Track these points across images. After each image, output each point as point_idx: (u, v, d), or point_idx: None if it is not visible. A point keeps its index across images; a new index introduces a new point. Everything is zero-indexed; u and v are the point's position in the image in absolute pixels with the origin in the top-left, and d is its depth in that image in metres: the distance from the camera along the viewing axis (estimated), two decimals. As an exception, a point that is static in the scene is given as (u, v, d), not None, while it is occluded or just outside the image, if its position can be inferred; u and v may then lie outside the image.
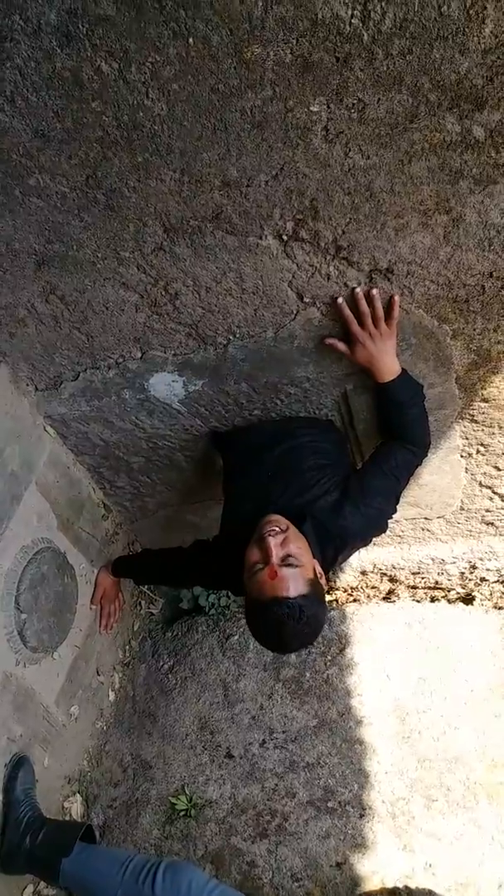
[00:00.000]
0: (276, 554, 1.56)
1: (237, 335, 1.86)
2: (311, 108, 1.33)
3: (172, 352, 1.93)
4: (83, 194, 1.53)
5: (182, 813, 2.31)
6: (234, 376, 1.97)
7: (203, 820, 2.29)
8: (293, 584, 1.54)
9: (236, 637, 2.69)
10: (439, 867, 2.00)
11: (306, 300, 1.73)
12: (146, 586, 2.95)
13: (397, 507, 1.86)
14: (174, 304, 1.78)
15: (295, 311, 1.77)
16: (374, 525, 1.83)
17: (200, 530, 2.61)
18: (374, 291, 1.65)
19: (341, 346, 1.75)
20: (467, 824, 2.07)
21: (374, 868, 2.05)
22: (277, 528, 1.62)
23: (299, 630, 1.55)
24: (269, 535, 1.59)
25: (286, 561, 1.56)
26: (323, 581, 1.68)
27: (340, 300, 1.69)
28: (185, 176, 1.46)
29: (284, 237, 1.58)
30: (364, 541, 1.87)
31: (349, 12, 1.19)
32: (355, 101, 1.31)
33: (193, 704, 2.58)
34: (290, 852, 2.15)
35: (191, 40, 1.24)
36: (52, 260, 1.70)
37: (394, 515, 1.89)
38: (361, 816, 2.16)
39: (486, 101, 1.29)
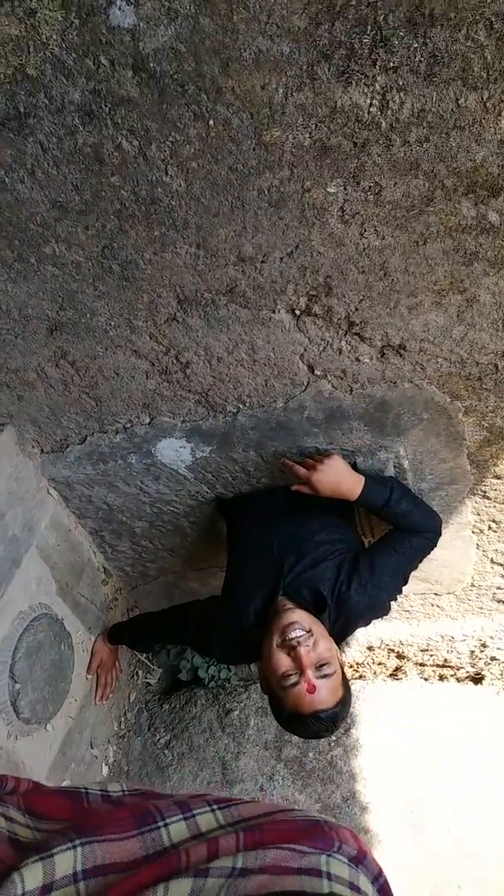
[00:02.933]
0: (310, 665, 1.53)
1: (247, 404, 1.84)
2: (328, 190, 1.34)
3: (181, 418, 1.92)
4: (98, 264, 1.54)
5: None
6: (243, 444, 1.95)
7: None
8: (331, 694, 1.55)
9: (236, 712, 2.59)
10: None
11: (317, 373, 1.72)
12: (144, 655, 2.86)
13: (403, 588, 1.82)
14: (185, 373, 1.78)
15: (306, 383, 1.76)
16: (378, 607, 1.79)
17: (202, 597, 2.54)
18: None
19: (301, 470, 1.78)
20: (478, 928, 1.94)
21: None
22: (303, 631, 1.58)
23: (336, 728, 1.60)
24: (300, 643, 1.55)
25: (321, 671, 1.55)
26: (343, 663, 1.68)
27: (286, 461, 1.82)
28: (201, 250, 1.47)
29: (297, 312, 1.58)
30: (366, 622, 1.83)
31: (368, 101, 1.21)
32: (372, 185, 1.32)
33: (190, 782, 2.47)
34: None
35: (211, 122, 1.26)
36: (65, 326, 1.71)
37: (399, 595, 1.84)
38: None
39: (501, 188, 1.30)
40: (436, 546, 1.86)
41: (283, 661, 1.56)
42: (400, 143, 1.26)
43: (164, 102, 1.24)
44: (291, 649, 1.55)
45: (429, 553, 1.85)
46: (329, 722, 1.54)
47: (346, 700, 1.59)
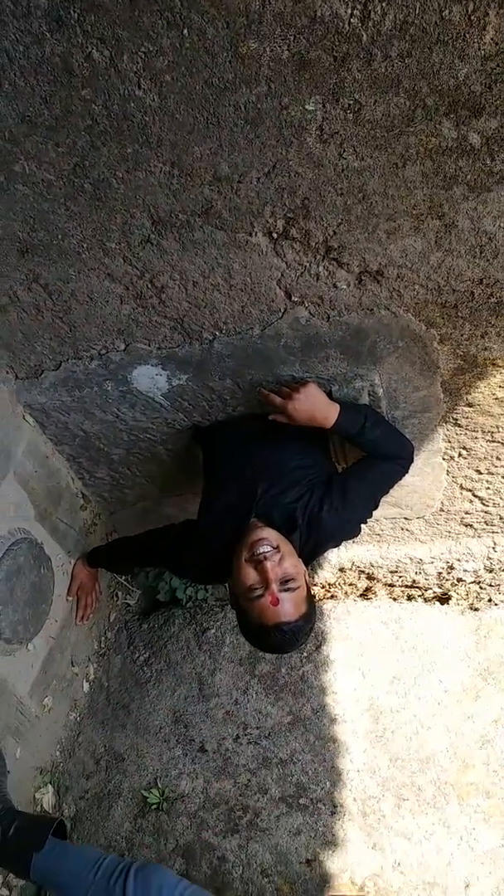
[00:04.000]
0: (275, 578, 1.58)
1: (223, 331, 1.83)
2: (307, 107, 1.30)
3: (157, 345, 1.90)
4: (70, 183, 1.50)
5: (154, 806, 2.30)
6: (219, 372, 1.95)
7: (175, 814, 2.29)
8: (294, 607, 1.60)
9: (213, 631, 2.68)
10: (407, 866, 2.02)
11: (295, 299, 1.71)
12: (123, 577, 2.93)
13: (374, 511, 1.87)
14: (160, 298, 1.75)
15: (283, 310, 1.74)
16: (348, 529, 1.85)
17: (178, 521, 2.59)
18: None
19: (277, 399, 1.80)
20: (436, 824, 2.09)
21: (343, 865, 2.07)
22: (270, 547, 1.62)
23: (300, 642, 1.66)
24: (266, 557, 1.59)
25: (286, 585, 1.60)
26: (310, 583, 1.70)
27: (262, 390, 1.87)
28: (175, 169, 1.43)
29: (274, 235, 1.56)
30: (336, 543, 1.90)
31: (349, 11, 1.16)
32: (351, 102, 1.28)
33: (168, 697, 2.58)
34: (260, 848, 2.16)
35: (185, 31, 1.20)
36: (36, 248, 1.66)
37: (370, 518, 1.90)
38: (332, 814, 2.17)
39: (483, 108, 1.27)
40: (407, 472, 1.90)
41: (250, 575, 1.61)
42: (381, 58, 1.22)
43: (136, 9, 1.18)
44: (258, 563, 1.61)
45: (400, 479, 1.90)
46: (291, 635, 1.60)
47: (309, 615, 1.65)
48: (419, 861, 2.02)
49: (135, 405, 2.11)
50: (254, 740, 2.39)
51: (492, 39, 1.18)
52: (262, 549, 1.63)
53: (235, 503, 1.83)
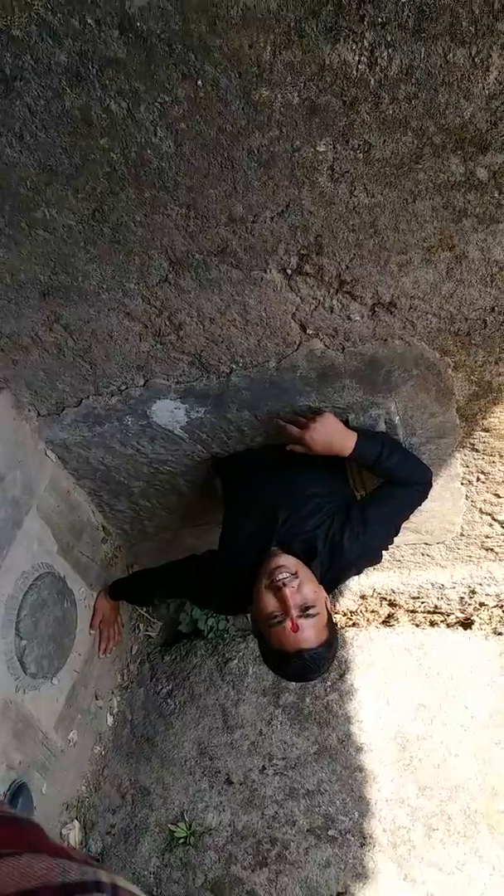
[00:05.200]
0: (294, 604, 1.59)
1: (240, 364, 1.87)
2: (318, 149, 1.34)
3: (175, 380, 1.94)
4: (89, 227, 1.55)
5: (181, 840, 2.29)
6: (237, 404, 1.98)
7: (202, 847, 2.27)
8: (315, 634, 1.60)
9: (235, 661, 2.68)
10: (440, 898, 2.00)
11: (309, 332, 1.74)
12: (144, 609, 2.94)
13: (395, 538, 1.88)
14: (178, 335, 1.79)
15: (298, 342, 1.78)
16: (370, 556, 1.86)
17: (198, 552, 2.61)
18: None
19: (295, 430, 1.83)
20: (468, 854, 2.06)
21: (374, 898, 2.04)
22: (289, 574, 1.63)
23: (322, 669, 1.66)
24: (284, 584, 1.60)
25: (306, 612, 1.60)
26: (332, 610, 1.73)
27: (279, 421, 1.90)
28: (192, 211, 1.48)
29: (289, 271, 1.60)
30: (358, 570, 1.91)
31: (356, 58, 1.21)
32: (361, 143, 1.33)
33: (192, 729, 2.57)
34: (290, 881, 2.13)
35: (199, 82, 1.25)
36: (57, 290, 1.71)
37: (391, 545, 1.90)
38: (362, 845, 2.15)
39: (489, 144, 1.31)
40: (426, 498, 1.91)
41: (270, 602, 1.62)
42: (388, 101, 1.26)
43: (152, 63, 1.23)
44: (277, 590, 1.61)
45: (419, 505, 1.91)
46: (313, 662, 1.60)
47: (330, 642, 1.65)
48: (452, 891, 1.99)
49: (154, 439, 2.14)
50: (280, 771, 2.37)
51: (496, 79, 1.22)
52: (280, 576, 1.64)
53: (256, 532, 1.85)
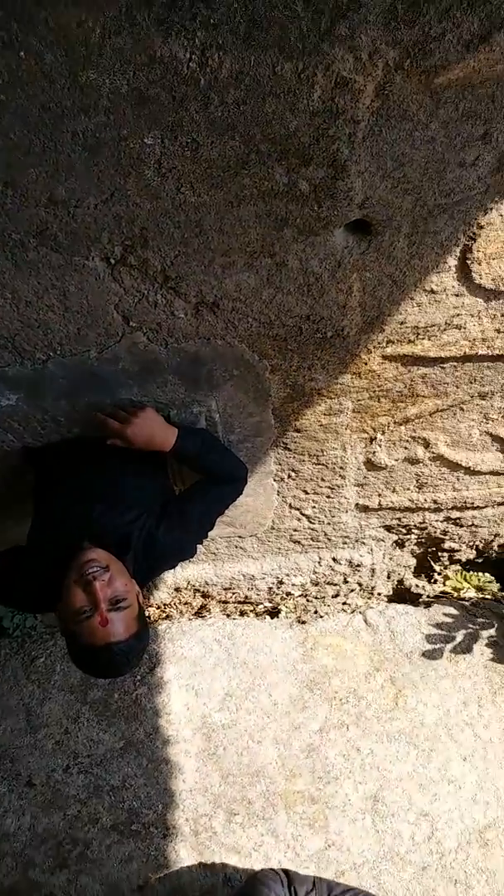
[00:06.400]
0: (104, 598, 1.54)
1: (58, 352, 1.79)
2: (145, 141, 1.32)
3: (-15, 364, 1.82)
4: None
5: (-25, 850, 2.17)
6: (53, 393, 1.89)
7: (-1, 855, 2.17)
8: (124, 627, 1.56)
9: (42, 659, 2.59)
10: (237, 880, 2.07)
11: (132, 324, 1.71)
12: None
13: (210, 532, 1.91)
14: (-11, 316, 1.68)
15: (120, 334, 1.74)
16: (185, 549, 1.87)
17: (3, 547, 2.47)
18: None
19: (115, 424, 1.79)
20: (265, 835, 2.16)
21: (174, 887, 2.07)
22: (99, 567, 1.58)
23: (132, 664, 1.63)
24: (94, 577, 1.55)
25: (116, 605, 1.55)
26: (143, 603, 1.70)
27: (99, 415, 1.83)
28: (9, 189, 1.38)
29: (112, 261, 1.56)
30: (172, 564, 1.91)
31: (188, 55, 1.20)
32: (189, 140, 1.32)
33: (-7, 731, 2.44)
34: (90, 880, 2.11)
35: (22, 54, 1.18)
36: None
37: (205, 539, 1.94)
38: (164, 836, 2.17)
39: (312, 158, 1.37)
40: (241, 493, 1.97)
41: (79, 596, 1.56)
42: (218, 103, 1.27)
43: (-32, 22, 1.13)
44: (87, 584, 1.56)
45: (235, 500, 1.96)
46: (122, 655, 1.57)
47: (140, 634, 1.62)
48: (248, 873, 2.08)
49: (-41, 424, 1.99)
50: (85, 769, 2.33)
51: (319, 97, 1.28)
52: (90, 570, 1.58)
53: (67, 526, 1.78)
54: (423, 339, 1.80)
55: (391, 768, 2.28)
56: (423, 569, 2.91)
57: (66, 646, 1.69)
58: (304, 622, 2.75)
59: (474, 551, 2.76)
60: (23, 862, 2.15)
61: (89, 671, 1.68)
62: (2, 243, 1.50)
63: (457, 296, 1.68)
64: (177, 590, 2.80)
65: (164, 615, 2.83)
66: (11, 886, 2.11)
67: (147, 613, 2.77)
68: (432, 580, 2.92)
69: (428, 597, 2.91)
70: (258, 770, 2.29)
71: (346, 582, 2.83)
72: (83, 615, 1.55)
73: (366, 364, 1.86)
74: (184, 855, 2.14)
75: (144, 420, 1.78)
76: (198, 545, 1.92)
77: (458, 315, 1.73)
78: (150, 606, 2.84)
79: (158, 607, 2.84)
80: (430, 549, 2.79)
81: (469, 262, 1.59)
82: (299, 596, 2.84)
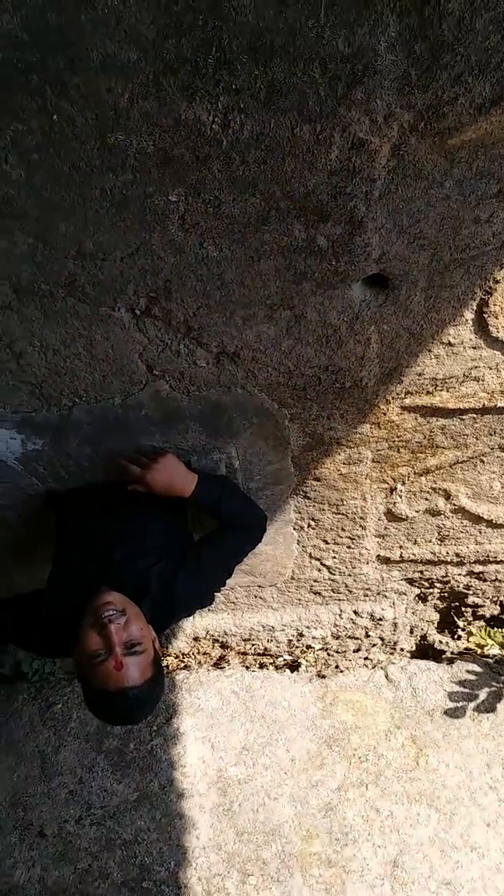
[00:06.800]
0: (119, 642, 1.53)
1: (83, 399, 1.84)
2: (170, 198, 1.38)
3: (13, 409, 1.87)
4: None
5: (-18, 903, 2.13)
6: (78, 439, 1.94)
7: (5, 909, 2.12)
8: (139, 672, 1.54)
9: (59, 706, 2.57)
10: (250, 946, 1.99)
11: (156, 373, 1.76)
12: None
13: (228, 580, 1.90)
14: (18, 363, 1.74)
15: (144, 382, 1.78)
16: (203, 597, 1.86)
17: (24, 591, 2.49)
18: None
19: (136, 470, 1.82)
20: (280, 899, 2.08)
21: None
22: (115, 611, 1.59)
23: (147, 710, 1.62)
24: (110, 620, 1.56)
25: (131, 649, 1.55)
26: (160, 650, 1.69)
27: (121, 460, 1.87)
28: (40, 242, 1.45)
29: (137, 312, 1.61)
30: (189, 612, 1.91)
31: (210, 118, 1.26)
32: (212, 198, 1.38)
33: (6, 779, 2.42)
34: (98, 940, 2.04)
35: (55, 117, 1.25)
36: None
37: (223, 587, 1.93)
38: (176, 896, 2.11)
39: (329, 215, 1.41)
40: (260, 542, 1.97)
41: (94, 639, 1.56)
42: (239, 162, 1.33)
43: (6, 90, 1.21)
44: (102, 627, 1.55)
45: (253, 548, 1.96)
46: (136, 701, 1.55)
47: (156, 680, 1.61)
48: (262, 940, 2.00)
49: (-14, 468, 2.04)
50: (97, 821, 2.28)
51: (336, 157, 1.33)
52: (106, 613, 1.58)
53: (87, 570, 1.79)
54: (441, 390, 1.81)
55: (412, 832, 2.19)
56: (447, 624, 2.85)
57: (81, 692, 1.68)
58: (323, 676, 2.70)
59: (498, 607, 2.70)
60: (30, 917, 2.10)
61: (103, 717, 1.66)
62: (32, 293, 1.56)
63: (474, 348, 1.70)
64: (195, 639, 2.77)
65: (183, 665, 2.80)
66: (18, 943, 2.05)
67: (165, 663, 2.76)
68: (456, 636, 2.85)
69: (452, 653, 2.84)
70: (274, 828, 2.22)
71: (367, 636, 2.78)
72: (98, 658, 1.55)
73: (384, 414, 1.87)
74: (195, 917, 2.07)
75: (164, 465, 1.80)
76: (216, 593, 1.92)
77: (475, 367, 1.75)
78: (169, 656, 2.81)
79: (177, 657, 2.81)
80: (453, 604, 2.74)
81: (486, 315, 1.61)
82: (320, 650, 2.79)
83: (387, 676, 2.61)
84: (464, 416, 1.90)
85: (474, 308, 1.61)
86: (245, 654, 2.81)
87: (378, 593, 2.62)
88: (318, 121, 1.28)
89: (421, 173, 1.35)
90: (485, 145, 1.31)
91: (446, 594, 2.67)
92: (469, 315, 1.63)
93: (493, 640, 2.72)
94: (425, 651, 2.89)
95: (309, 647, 2.72)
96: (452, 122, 1.27)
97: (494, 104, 1.24)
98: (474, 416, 1.90)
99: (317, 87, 1.23)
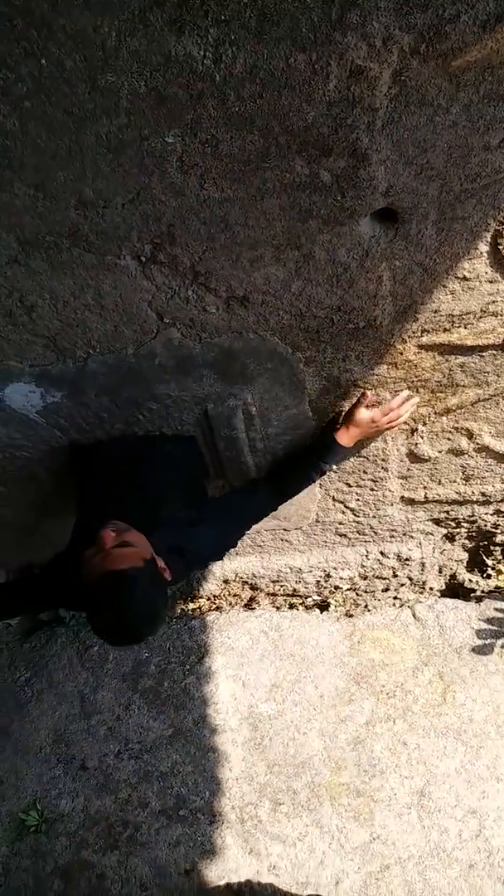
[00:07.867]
0: (110, 540, 1.52)
1: (97, 349, 1.84)
2: (167, 139, 1.35)
3: (29, 363, 1.89)
4: None
5: (32, 829, 2.27)
6: (94, 390, 1.95)
7: (53, 834, 2.26)
8: (125, 559, 1.50)
9: (96, 648, 2.67)
10: (282, 868, 2.09)
11: (166, 320, 1.75)
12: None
13: (248, 530, 1.93)
14: (30, 316, 1.74)
15: (155, 331, 1.78)
16: (219, 552, 1.89)
17: (55, 545, 2.56)
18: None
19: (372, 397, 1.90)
20: (310, 825, 2.17)
21: (220, 873, 2.11)
22: (115, 525, 1.60)
23: (135, 607, 1.48)
24: (105, 527, 1.56)
25: (123, 544, 1.54)
26: (166, 575, 1.61)
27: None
28: (40, 192, 1.44)
29: (143, 259, 1.59)
30: (204, 566, 1.94)
31: (202, 53, 1.22)
32: (209, 137, 1.34)
33: (49, 717, 2.54)
34: (140, 862, 2.17)
35: (43, 61, 1.22)
36: None
37: (247, 532, 1.96)
38: (211, 823, 2.21)
39: (331, 148, 1.36)
40: (275, 510, 2.00)
41: (90, 550, 1.56)
42: (234, 98, 1.28)
43: (-9, 35, 1.19)
44: (97, 536, 1.55)
45: (272, 510, 1.99)
46: (123, 582, 1.46)
47: (146, 573, 1.52)
48: (293, 862, 2.09)
49: (8, 423, 2.08)
50: (135, 755, 2.39)
51: (335, 87, 1.27)
52: (108, 527, 1.57)
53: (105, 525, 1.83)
54: (458, 327, 1.76)
55: (438, 764, 2.25)
56: (476, 563, 2.85)
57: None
58: (351, 616, 2.74)
59: (528, 545, 2.69)
60: (76, 842, 2.23)
61: (96, 618, 1.54)
62: (37, 245, 1.56)
63: (491, 282, 1.64)
64: (225, 581, 2.83)
65: (214, 606, 2.87)
66: (65, 866, 2.19)
67: (198, 604, 2.83)
68: (486, 575, 2.85)
69: (482, 592, 2.84)
70: (304, 761, 2.30)
71: (395, 576, 2.80)
72: (91, 556, 1.54)
73: (401, 354, 1.84)
74: (230, 842, 2.17)
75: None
76: (238, 538, 1.95)
77: (493, 302, 1.69)
78: (201, 597, 2.88)
79: (208, 598, 2.88)
80: (481, 543, 2.73)
81: (501, 247, 1.55)
82: (348, 590, 2.83)
83: (414, 615, 2.64)
84: (483, 353, 1.85)
85: (489, 240, 1.55)
86: (275, 595, 2.86)
87: (404, 534, 2.62)
88: (312, 49, 1.22)
89: (425, 100, 1.29)
90: (492, 66, 1.24)
91: (474, 533, 2.66)
92: (484, 247, 1.57)
93: (521, 577, 2.72)
94: (455, 590, 2.90)
95: (337, 587, 2.76)
96: (455, 42, 1.20)
97: (500, 20, 1.17)
98: (494, 352, 1.85)
99: (309, 13, 1.18)
